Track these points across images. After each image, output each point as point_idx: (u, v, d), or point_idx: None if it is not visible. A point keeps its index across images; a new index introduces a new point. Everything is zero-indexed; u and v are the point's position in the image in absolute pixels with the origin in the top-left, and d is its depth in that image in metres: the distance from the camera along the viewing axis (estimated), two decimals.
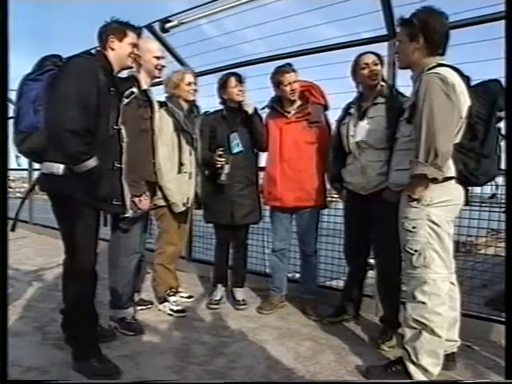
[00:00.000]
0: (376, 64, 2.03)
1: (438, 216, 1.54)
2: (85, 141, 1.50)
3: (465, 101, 1.50)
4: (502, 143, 1.55)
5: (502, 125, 1.56)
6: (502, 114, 1.51)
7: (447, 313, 1.59)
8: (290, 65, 2.35)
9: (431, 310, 1.54)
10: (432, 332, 1.54)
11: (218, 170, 2.36)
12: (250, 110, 2.39)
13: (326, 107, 2.43)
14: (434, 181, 1.50)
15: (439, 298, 1.55)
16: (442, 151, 1.44)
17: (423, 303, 1.56)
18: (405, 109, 1.72)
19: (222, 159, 2.34)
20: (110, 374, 1.64)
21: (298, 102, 2.39)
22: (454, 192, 1.57)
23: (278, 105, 2.42)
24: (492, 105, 1.51)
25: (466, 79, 1.56)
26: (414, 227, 1.57)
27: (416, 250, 1.57)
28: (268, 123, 2.48)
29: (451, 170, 1.53)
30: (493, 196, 1.73)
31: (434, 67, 1.53)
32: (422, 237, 1.56)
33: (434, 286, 1.55)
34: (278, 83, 2.35)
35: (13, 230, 1.62)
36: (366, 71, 2.03)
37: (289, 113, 2.38)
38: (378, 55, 2.07)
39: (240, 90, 2.42)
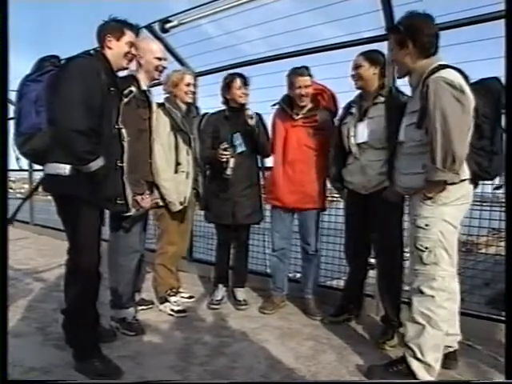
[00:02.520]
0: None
1: (451, 215, 1.55)
2: (92, 141, 1.51)
3: (471, 101, 1.49)
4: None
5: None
6: (503, 111, 1.51)
7: (452, 307, 1.61)
8: (306, 68, 2.33)
9: (438, 304, 1.56)
10: (436, 326, 1.55)
11: (224, 164, 2.36)
12: (252, 122, 2.37)
13: (335, 113, 2.42)
14: (452, 184, 1.51)
15: (446, 294, 1.57)
16: (459, 157, 1.45)
17: (431, 297, 1.57)
18: (407, 112, 1.70)
19: (227, 153, 2.34)
20: (111, 375, 1.64)
21: (309, 106, 2.38)
22: (467, 191, 1.58)
23: (288, 105, 2.40)
24: (497, 103, 1.51)
25: (465, 78, 1.56)
26: (426, 225, 1.57)
27: (427, 248, 1.57)
28: (276, 122, 2.49)
29: (465, 172, 1.53)
30: (500, 187, 1.73)
31: (437, 70, 1.51)
32: (433, 234, 1.56)
33: (442, 282, 1.56)
34: (290, 84, 2.35)
35: (11, 222, 1.60)
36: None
37: (297, 115, 2.38)
38: (370, 57, 2.06)
39: (243, 93, 2.43)
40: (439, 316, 1.56)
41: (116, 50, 1.71)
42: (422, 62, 1.60)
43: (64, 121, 1.48)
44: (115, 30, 1.71)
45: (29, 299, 2.56)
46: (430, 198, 1.54)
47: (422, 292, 1.59)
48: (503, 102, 1.49)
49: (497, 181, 1.76)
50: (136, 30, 1.79)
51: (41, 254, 4.05)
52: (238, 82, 2.42)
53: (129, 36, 1.73)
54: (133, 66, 1.95)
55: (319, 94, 2.40)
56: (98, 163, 1.53)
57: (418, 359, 1.58)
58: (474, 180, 1.58)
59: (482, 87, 1.55)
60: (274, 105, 2.50)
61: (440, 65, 1.55)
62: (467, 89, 1.48)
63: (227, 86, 2.46)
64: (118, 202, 1.75)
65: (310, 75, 2.32)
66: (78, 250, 1.64)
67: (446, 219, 1.55)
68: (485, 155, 1.54)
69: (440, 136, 1.46)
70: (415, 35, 1.57)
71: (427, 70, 1.55)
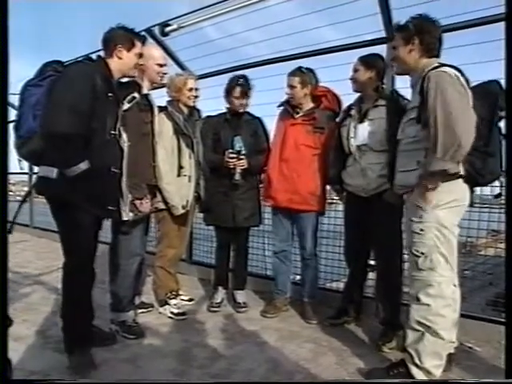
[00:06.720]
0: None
1: (446, 219, 1.53)
2: (76, 145, 1.51)
3: (470, 97, 1.49)
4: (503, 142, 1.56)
5: (501, 124, 1.56)
6: (503, 113, 1.51)
7: (451, 315, 1.58)
8: (309, 69, 2.34)
9: (435, 312, 1.54)
10: (435, 334, 1.54)
11: (232, 171, 2.38)
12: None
13: (338, 114, 2.40)
14: (453, 176, 1.47)
15: (444, 300, 1.54)
16: (464, 146, 1.41)
17: (427, 305, 1.55)
18: (407, 110, 1.72)
19: (234, 160, 2.36)
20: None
21: (309, 105, 2.38)
22: (461, 191, 1.56)
23: (290, 105, 2.41)
24: (494, 104, 1.51)
25: (465, 80, 1.57)
26: (421, 230, 1.55)
27: (422, 253, 1.56)
28: (278, 121, 2.50)
29: (461, 167, 1.52)
30: (499, 195, 1.73)
31: (438, 67, 1.54)
32: (429, 239, 1.54)
33: (439, 288, 1.54)
34: None
35: (9, 232, 1.62)
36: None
37: (297, 114, 2.38)
38: (365, 61, 2.07)
39: (242, 104, 2.45)
40: (437, 324, 1.53)
41: (126, 60, 1.74)
42: (424, 61, 1.62)
43: (50, 124, 1.50)
44: (126, 40, 1.73)
45: (28, 302, 2.56)
46: (426, 202, 1.52)
47: (418, 299, 1.58)
48: (500, 104, 1.50)
49: (497, 189, 1.76)
50: (143, 39, 1.83)
51: (40, 256, 4.05)
52: (237, 91, 2.42)
53: (138, 47, 1.77)
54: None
55: (323, 96, 2.40)
56: (80, 167, 1.52)
57: (416, 365, 1.58)
58: (468, 181, 1.56)
59: (480, 90, 1.56)
60: (280, 106, 2.50)
61: (440, 63, 1.57)
62: (466, 84, 1.49)
63: (228, 92, 2.47)
64: (109, 208, 1.72)
65: (296, 74, 2.31)
66: (69, 252, 1.67)
67: (442, 223, 1.53)
68: (478, 155, 1.52)
69: (442, 124, 1.44)
70: (422, 33, 1.61)
71: (427, 68, 1.57)
